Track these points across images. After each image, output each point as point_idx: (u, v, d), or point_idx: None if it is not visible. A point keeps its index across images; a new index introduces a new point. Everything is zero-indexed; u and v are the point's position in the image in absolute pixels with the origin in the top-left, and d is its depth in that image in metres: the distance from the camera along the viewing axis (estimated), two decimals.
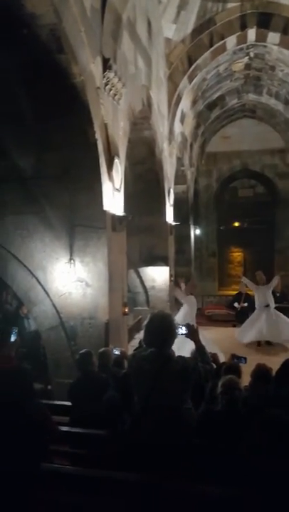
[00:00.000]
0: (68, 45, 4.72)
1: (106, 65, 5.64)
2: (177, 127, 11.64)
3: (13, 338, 4.08)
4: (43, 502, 2.22)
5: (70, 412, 3.59)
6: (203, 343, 2.89)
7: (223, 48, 11.00)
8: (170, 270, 10.43)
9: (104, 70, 5.65)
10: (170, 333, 2.43)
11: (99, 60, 5.55)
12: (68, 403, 3.89)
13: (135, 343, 8.51)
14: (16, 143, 5.69)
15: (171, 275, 10.40)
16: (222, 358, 5.71)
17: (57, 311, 5.89)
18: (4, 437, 2.41)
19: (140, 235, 9.92)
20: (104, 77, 5.66)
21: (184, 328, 2.81)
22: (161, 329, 2.40)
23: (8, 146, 5.69)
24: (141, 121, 8.53)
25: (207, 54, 10.63)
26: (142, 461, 2.21)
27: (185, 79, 10.72)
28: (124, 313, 6.47)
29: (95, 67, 5.44)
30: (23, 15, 4.30)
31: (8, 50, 4.68)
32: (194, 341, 2.81)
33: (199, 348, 2.79)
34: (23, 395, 2.42)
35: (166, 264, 10.29)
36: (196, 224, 16.59)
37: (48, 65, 4.81)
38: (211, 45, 10.37)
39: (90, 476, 2.32)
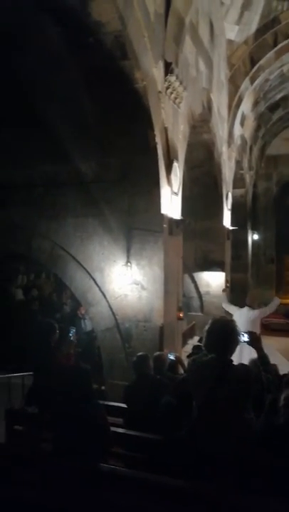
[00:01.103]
0: (132, 51, 4.78)
1: (168, 69, 5.65)
2: (237, 130, 11.39)
3: (71, 337, 4.19)
4: (98, 501, 2.23)
5: (123, 414, 3.61)
6: (266, 351, 2.77)
7: (288, 48, 10.60)
8: (226, 276, 10.20)
9: (166, 74, 5.66)
10: (232, 340, 2.36)
11: (161, 65, 5.57)
12: (122, 405, 3.91)
13: (188, 348, 8.41)
14: (79, 148, 5.86)
15: (227, 281, 10.17)
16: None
17: (113, 313, 5.97)
18: (63, 433, 2.46)
19: (196, 240, 9.81)
20: (165, 81, 5.68)
21: (245, 335, 2.71)
22: (222, 335, 2.34)
23: (71, 151, 5.88)
24: (200, 125, 8.44)
25: (271, 54, 10.32)
26: (197, 469, 2.15)
27: (247, 80, 10.47)
28: (179, 318, 6.41)
29: (157, 71, 5.47)
30: (90, 23, 4.43)
31: (74, 58, 4.85)
32: (256, 349, 2.70)
33: (262, 356, 2.68)
34: (82, 393, 2.46)
35: (222, 270, 10.07)
36: (254, 229, 16.09)
37: (111, 71, 4.91)
38: (275, 45, 10.05)
39: (144, 480, 2.29)
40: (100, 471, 2.25)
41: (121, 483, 2.23)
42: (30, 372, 4.29)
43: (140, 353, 3.95)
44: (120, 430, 3.15)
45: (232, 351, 2.36)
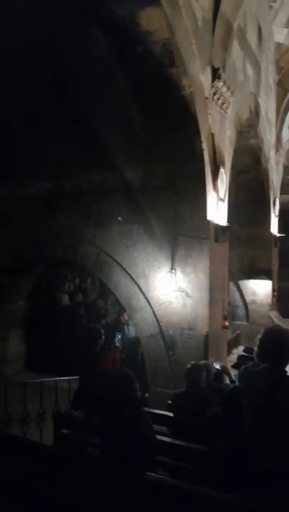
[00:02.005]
0: (180, 58, 4.79)
1: (215, 75, 5.60)
2: (285, 134, 11.07)
3: (117, 343, 4.21)
4: (142, 510, 2.20)
5: (169, 422, 3.55)
6: None
7: None
8: (273, 284, 9.88)
9: (213, 80, 5.61)
10: (286, 350, 2.25)
11: (208, 70, 5.54)
12: (166, 413, 3.86)
13: (233, 358, 8.21)
14: (126, 156, 5.93)
15: (274, 290, 9.84)
16: None
17: (157, 320, 5.95)
18: (109, 439, 2.46)
19: (242, 247, 9.60)
20: (212, 86, 5.63)
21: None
22: (276, 344, 2.24)
23: (118, 159, 5.96)
24: (247, 130, 8.29)
25: None
26: (247, 483, 2.06)
27: None
28: (224, 327, 6.27)
29: (204, 77, 5.44)
30: (138, 33, 4.49)
31: (122, 67, 4.93)
32: None
33: None
34: (127, 399, 2.46)
35: (269, 278, 9.76)
36: None
37: (159, 78, 4.94)
38: None
39: (192, 491, 2.23)
40: (147, 479, 2.22)
41: (167, 493, 2.18)
42: (77, 377, 4.36)
43: (194, 362, 3.87)
44: (166, 439, 3.10)
45: (286, 362, 2.26)
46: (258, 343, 2.30)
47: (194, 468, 2.60)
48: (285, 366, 2.27)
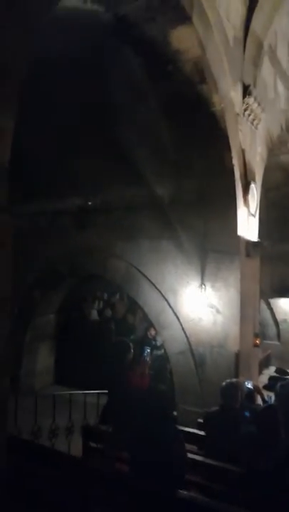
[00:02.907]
0: (210, 75, 4.85)
1: (246, 91, 5.63)
2: None
3: (146, 357, 4.17)
4: None
5: (200, 441, 3.45)
6: None
7: None
8: None
9: (244, 96, 5.64)
10: None
11: (239, 87, 5.58)
12: (197, 431, 3.76)
13: (264, 379, 7.95)
14: (156, 172, 5.99)
15: None
16: None
17: (186, 336, 5.87)
18: (140, 454, 2.41)
19: (272, 264, 9.38)
20: (243, 103, 5.65)
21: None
22: None
23: (148, 175, 6.03)
24: (278, 146, 8.21)
25: None
26: (284, 505, 1.96)
27: None
28: (256, 345, 6.11)
29: (235, 93, 5.47)
30: (170, 52, 4.59)
31: (154, 86, 5.03)
32: None
33: None
34: (161, 415, 2.41)
35: None
36: None
37: (190, 96, 5.01)
38: None
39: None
40: (179, 498, 2.14)
41: None
42: (105, 391, 4.33)
43: (230, 380, 3.75)
44: (198, 458, 3.01)
45: None
46: None
47: (227, 488, 2.49)
48: None
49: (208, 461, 2.94)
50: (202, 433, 3.60)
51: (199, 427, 3.80)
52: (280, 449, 2.11)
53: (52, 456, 2.74)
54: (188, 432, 3.55)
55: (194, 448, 3.43)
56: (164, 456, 2.38)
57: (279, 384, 2.36)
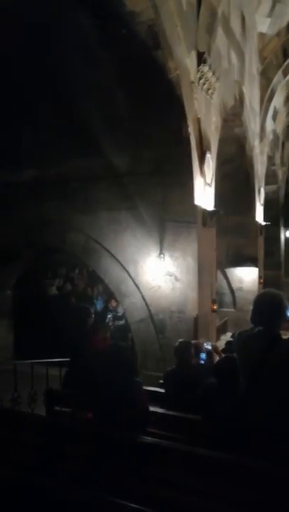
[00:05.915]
0: (165, 40, 4.81)
1: (200, 59, 5.64)
2: (269, 124, 11.20)
3: (109, 322, 4.23)
4: (141, 474, 2.22)
5: (161, 398, 3.58)
6: None
7: None
8: (259, 272, 10.02)
9: (198, 64, 5.65)
10: (279, 312, 2.29)
11: (193, 55, 5.57)
12: (159, 389, 3.90)
13: (221, 344, 8.29)
14: (112, 142, 5.92)
15: (260, 277, 9.98)
16: None
17: (146, 304, 5.99)
18: (104, 410, 2.48)
19: (228, 235, 9.66)
20: (198, 71, 5.66)
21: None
22: (270, 307, 2.28)
23: (103, 145, 5.94)
24: (232, 118, 8.36)
25: None
26: (245, 443, 2.11)
27: (279, 73, 10.29)
28: (213, 310, 6.35)
29: (190, 61, 5.47)
30: (124, 14, 4.49)
31: (107, 50, 4.91)
32: None
33: None
34: (128, 369, 2.48)
35: (255, 265, 9.90)
36: (287, 226, 15.75)
37: (144, 61, 4.95)
38: None
39: (189, 453, 2.25)
40: (145, 444, 2.24)
41: (164, 457, 2.21)
42: (67, 359, 4.35)
43: (182, 340, 3.92)
44: (160, 410, 3.14)
45: (279, 325, 2.29)
46: (252, 306, 2.33)
47: (189, 438, 2.63)
48: (279, 329, 2.31)
49: (170, 412, 3.08)
50: (163, 391, 3.74)
51: (160, 387, 3.94)
52: (239, 394, 2.25)
53: (15, 418, 2.76)
54: (150, 391, 3.67)
55: (157, 406, 3.55)
56: (128, 406, 2.47)
57: (237, 332, 2.48)
